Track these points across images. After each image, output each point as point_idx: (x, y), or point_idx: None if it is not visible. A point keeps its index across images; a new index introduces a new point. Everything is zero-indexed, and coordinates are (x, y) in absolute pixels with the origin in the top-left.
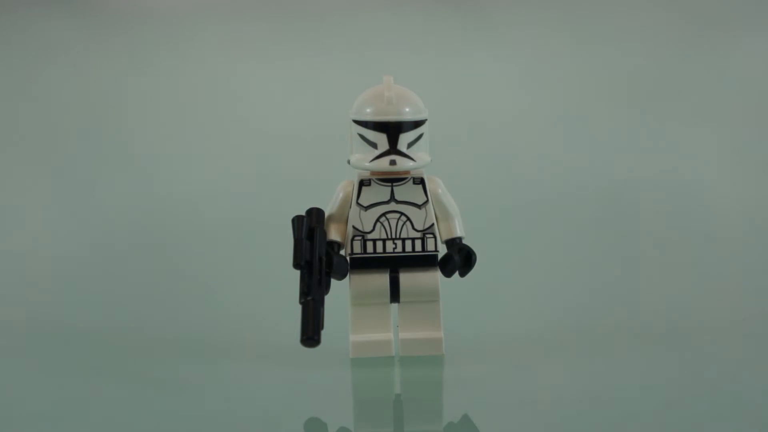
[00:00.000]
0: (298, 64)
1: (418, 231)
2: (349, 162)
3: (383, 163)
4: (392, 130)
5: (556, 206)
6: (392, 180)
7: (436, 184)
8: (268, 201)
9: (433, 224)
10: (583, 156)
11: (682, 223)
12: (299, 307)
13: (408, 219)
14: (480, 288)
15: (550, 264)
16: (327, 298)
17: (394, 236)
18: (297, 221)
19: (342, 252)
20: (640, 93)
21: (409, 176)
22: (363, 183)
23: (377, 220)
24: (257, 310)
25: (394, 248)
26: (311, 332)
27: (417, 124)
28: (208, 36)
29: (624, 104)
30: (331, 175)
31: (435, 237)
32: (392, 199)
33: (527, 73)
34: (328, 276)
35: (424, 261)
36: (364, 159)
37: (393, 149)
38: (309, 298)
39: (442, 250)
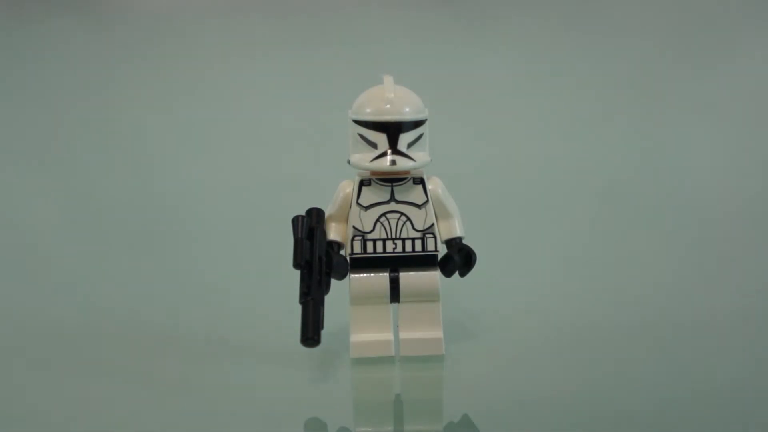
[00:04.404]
0: (298, 63)
1: (418, 231)
2: (349, 162)
3: (383, 163)
4: (392, 130)
5: (556, 206)
6: (392, 180)
7: (436, 184)
8: (268, 201)
9: (433, 224)
10: (583, 155)
11: (683, 223)
12: (299, 307)
13: (408, 219)
14: (480, 288)
15: (550, 264)
16: (327, 298)
17: (394, 236)
18: (297, 221)
19: (342, 252)
20: (640, 90)
21: (409, 176)
22: (363, 183)
23: (377, 220)
24: (257, 310)
25: (394, 248)
26: (311, 332)
27: (417, 124)
28: (208, 35)
29: (624, 102)
30: (331, 175)
31: (435, 237)
32: (392, 199)
33: (527, 71)
34: (328, 276)
35: (424, 261)
36: (364, 159)
37: (393, 149)
38: (309, 298)
39: (442, 250)
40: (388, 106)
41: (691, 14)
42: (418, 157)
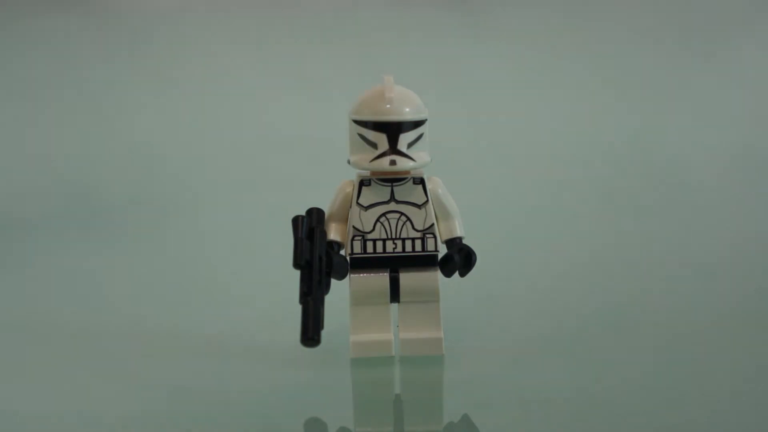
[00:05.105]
0: (297, 63)
1: (418, 231)
2: (349, 162)
3: (383, 163)
4: (392, 130)
5: (555, 205)
6: (392, 180)
7: (436, 184)
8: (268, 201)
9: (433, 224)
10: (583, 155)
11: (683, 223)
12: (299, 307)
13: (408, 219)
14: (480, 288)
15: (550, 264)
16: (327, 298)
17: (394, 236)
18: (297, 221)
19: (342, 252)
20: (640, 88)
21: (409, 176)
22: (363, 183)
23: (377, 220)
24: (257, 310)
25: (394, 248)
26: (311, 332)
27: (417, 124)
28: (207, 34)
29: (624, 100)
30: (331, 175)
31: (435, 237)
32: (392, 199)
33: (527, 70)
34: (328, 276)
35: (424, 261)
36: (364, 159)
37: (393, 149)
38: (309, 298)
39: (442, 250)
40: (388, 106)
41: (689, 11)
42: (418, 157)
